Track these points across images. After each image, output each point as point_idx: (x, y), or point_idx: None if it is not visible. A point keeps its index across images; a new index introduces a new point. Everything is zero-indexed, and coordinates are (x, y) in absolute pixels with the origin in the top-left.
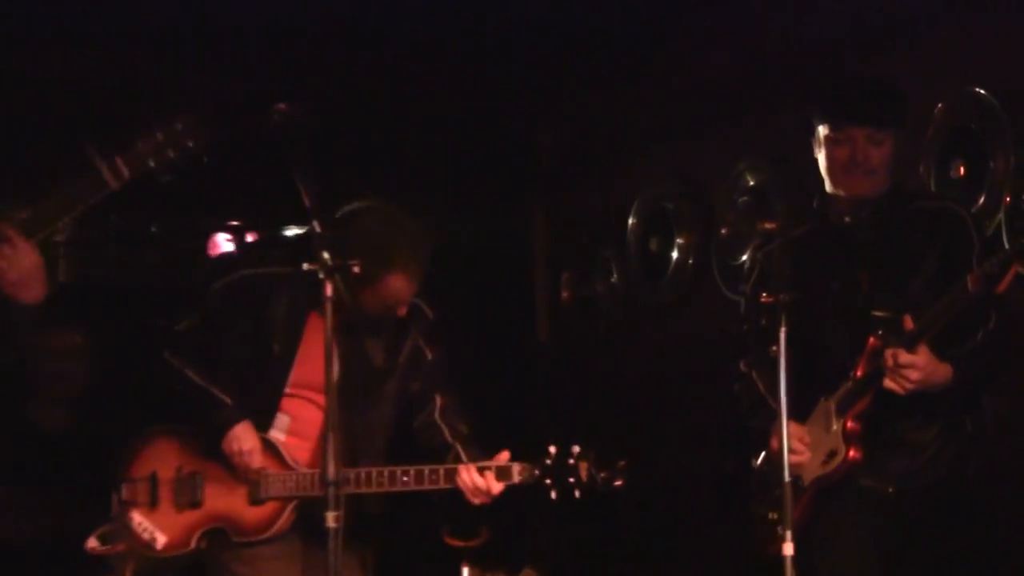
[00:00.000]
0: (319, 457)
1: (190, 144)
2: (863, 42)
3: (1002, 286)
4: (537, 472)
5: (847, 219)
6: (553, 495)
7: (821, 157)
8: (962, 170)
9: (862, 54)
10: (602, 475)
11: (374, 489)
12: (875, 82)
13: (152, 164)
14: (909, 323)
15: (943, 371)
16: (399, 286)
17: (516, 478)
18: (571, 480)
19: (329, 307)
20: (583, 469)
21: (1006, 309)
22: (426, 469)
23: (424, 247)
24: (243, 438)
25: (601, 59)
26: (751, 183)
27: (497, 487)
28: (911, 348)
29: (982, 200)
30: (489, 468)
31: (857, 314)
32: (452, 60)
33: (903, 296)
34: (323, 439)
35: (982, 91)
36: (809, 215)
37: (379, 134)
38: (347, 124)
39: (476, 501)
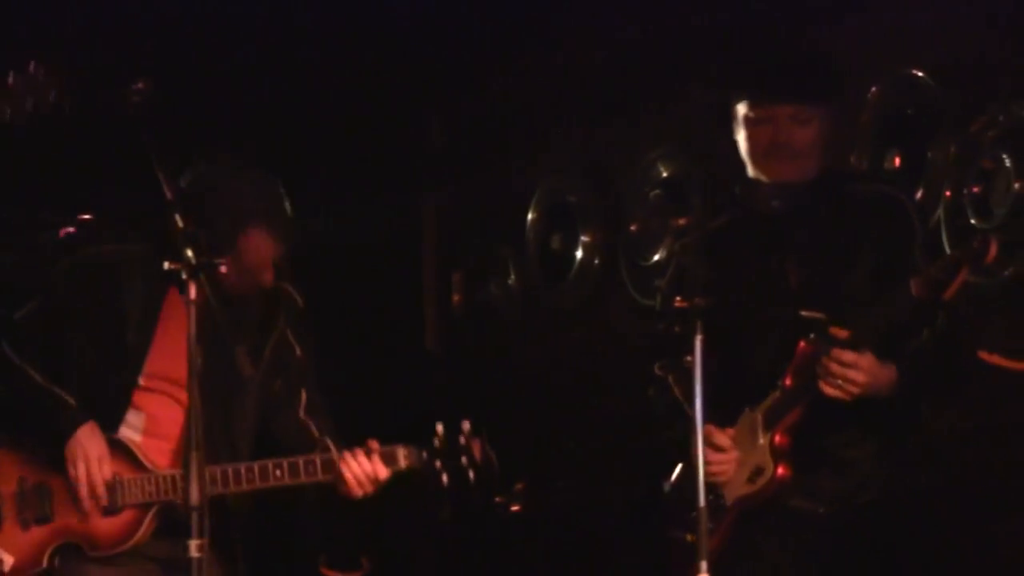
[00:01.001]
0: (180, 458)
1: (50, 94)
2: (789, 19)
3: (949, 292)
4: (425, 454)
5: (774, 203)
6: (444, 479)
7: (741, 139)
8: (898, 160)
9: (787, 32)
10: (498, 499)
11: (244, 488)
12: (800, 54)
13: (8, 114)
14: (840, 333)
15: (887, 373)
16: (261, 244)
17: (402, 462)
18: (463, 460)
19: (192, 310)
20: (476, 448)
21: (956, 309)
22: (301, 460)
23: (282, 198)
24: (88, 444)
25: (499, 38)
26: (664, 174)
27: (384, 472)
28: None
29: (920, 193)
30: (374, 451)
31: (784, 314)
32: (335, 39)
33: (836, 294)
34: (185, 444)
35: (920, 73)
36: (729, 203)
37: (253, 119)
38: (217, 108)
39: (358, 492)
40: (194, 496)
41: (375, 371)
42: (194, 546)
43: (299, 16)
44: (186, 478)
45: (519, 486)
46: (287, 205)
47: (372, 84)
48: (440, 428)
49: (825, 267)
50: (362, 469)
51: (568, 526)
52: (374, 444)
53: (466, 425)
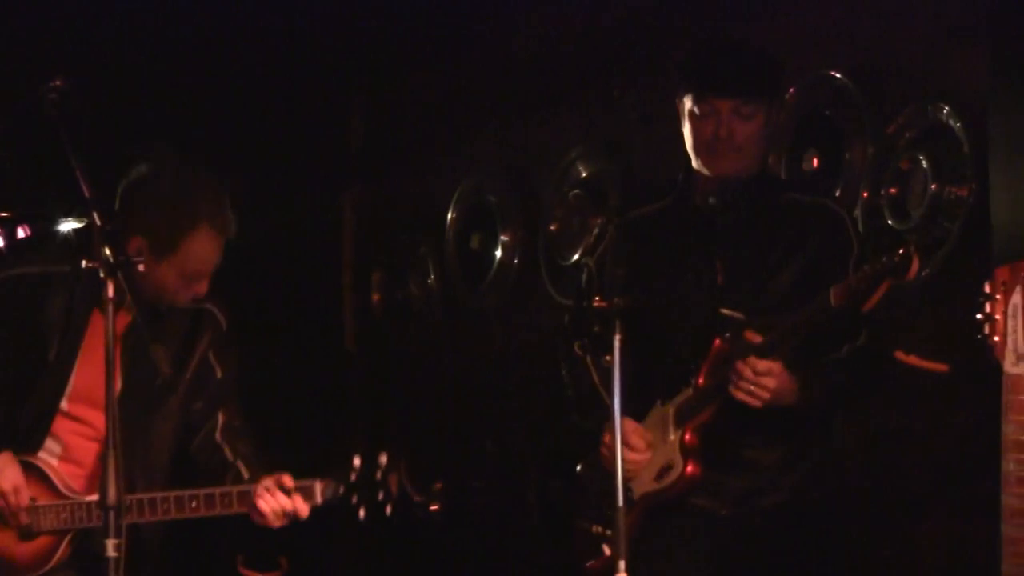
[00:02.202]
0: (96, 485)
1: None
2: (705, 18)
3: (869, 304)
4: (342, 489)
5: (711, 200)
6: (361, 514)
7: (686, 131)
8: (816, 161)
9: (704, 31)
10: (416, 498)
11: (159, 517)
12: (744, 49)
13: None
14: (754, 337)
15: (793, 385)
16: (205, 246)
17: (319, 498)
18: (380, 495)
19: (111, 309)
20: (393, 482)
21: (881, 326)
22: (217, 492)
23: (226, 199)
24: (3, 474)
25: (420, 36)
26: (583, 174)
27: (305, 509)
28: (765, 356)
29: (837, 194)
30: (291, 489)
31: (705, 310)
32: (256, 35)
33: (759, 297)
34: (102, 460)
35: (838, 75)
36: (671, 190)
37: (170, 116)
38: (134, 104)
39: (275, 524)
40: (111, 495)
41: (294, 371)
42: (111, 546)
43: (219, 12)
44: (103, 477)
45: (437, 486)
46: (228, 204)
47: (292, 81)
48: (357, 461)
49: (752, 269)
50: (280, 505)
51: (486, 525)
52: (287, 480)
53: (383, 459)
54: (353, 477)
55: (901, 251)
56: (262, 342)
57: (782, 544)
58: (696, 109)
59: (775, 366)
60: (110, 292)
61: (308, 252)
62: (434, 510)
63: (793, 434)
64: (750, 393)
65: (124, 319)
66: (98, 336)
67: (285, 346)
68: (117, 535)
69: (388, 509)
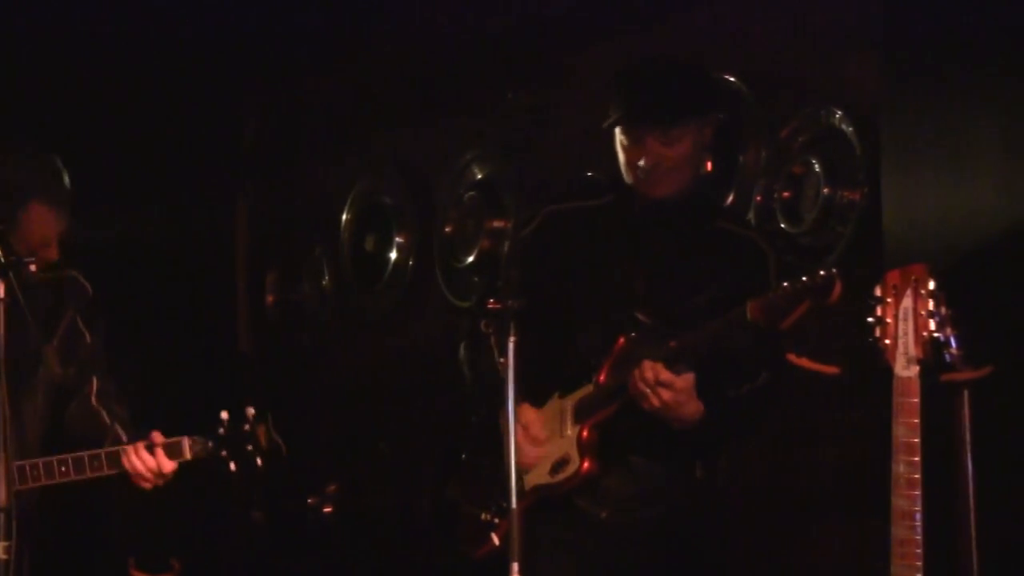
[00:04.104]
0: None
1: None
2: (599, 24)
3: (787, 322)
4: (211, 444)
5: (640, 214)
6: (232, 467)
7: (619, 154)
8: (710, 165)
9: (598, 36)
10: (310, 501)
11: (29, 485)
12: (669, 71)
13: None
14: (664, 344)
15: (694, 408)
16: (42, 218)
17: (188, 454)
18: (249, 448)
19: (3, 310)
20: (261, 433)
21: (782, 368)
22: (86, 456)
23: (60, 171)
24: None
25: (315, 36)
26: (479, 176)
27: (169, 466)
28: (673, 366)
29: (731, 198)
30: (159, 444)
31: (619, 311)
32: (149, 36)
33: (674, 309)
34: None
35: (732, 79)
36: (609, 188)
37: (59, 113)
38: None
39: (146, 485)
40: (1, 497)
41: (186, 373)
42: (0, 548)
43: (113, 10)
44: None
45: (331, 488)
46: (65, 178)
47: (186, 81)
48: (225, 416)
49: (673, 284)
50: (144, 464)
51: (380, 529)
52: (157, 437)
53: (250, 411)
54: (222, 431)
55: (823, 273)
56: (154, 344)
57: (659, 556)
58: (623, 137)
59: (678, 381)
60: (0, 292)
61: (201, 253)
62: (327, 512)
63: (680, 449)
64: (643, 395)
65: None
66: None
67: (178, 348)
68: (7, 537)
69: (259, 460)
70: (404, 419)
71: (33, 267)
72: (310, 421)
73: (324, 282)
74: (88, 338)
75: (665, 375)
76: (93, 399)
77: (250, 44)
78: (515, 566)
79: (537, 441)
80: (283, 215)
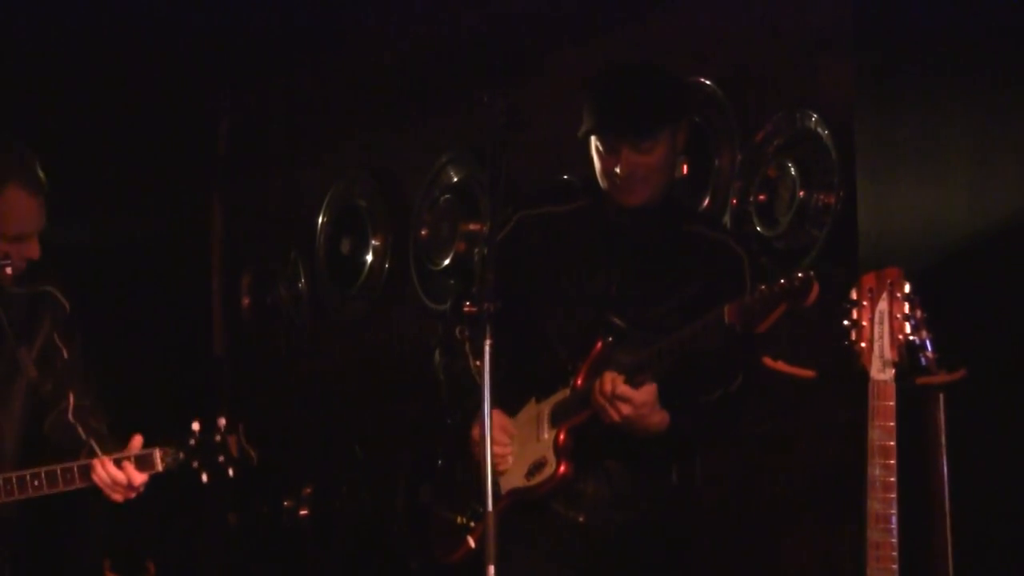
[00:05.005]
0: None
1: None
2: (572, 25)
3: (763, 326)
4: (182, 455)
5: (614, 218)
6: (204, 478)
7: (595, 162)
8: (685, 168)
9: (571, 38)
10: (285, 503)
11: (2, 500)
12: (642, 80)
13: None
14: (628, 354)
15: (659, 419)
16: (19, 204)
17: (159, 466)
18: (221, 459)
19: None
20: (232, 444)
21: (757, 372)
22: (58, 469)
23: (32, 158)
24: None
25: (289, 38)
26: (454, 179)
27: (139, 478)
28: (633, 379)
29: (707, 202)
30: (127, 458)
31: (593, 314)
32: (124, 38)
33: (647, 312)
34: None
35: (707, 82)
36: (584, 192)
37: (31, 116)
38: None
39: (118, 497)
40: None
41: (161, 376)
42: None
43: (86, 12)
44: None
45: (307, 491)
46: (37, 166)
47: (160, 83)
48: (196, 426)
49: (646, 286)
50: (112, 477)
51: (355, 531)
52: (136, 442)
53: (221, 421)
54: (193, 442)
55: (800, 275)
56: (129, 347)
57: (635, 560)
58: (598, 145)
59: (636, 395)
60: None
61: (176, 256)
62: (303, 515)
63: (656, 454)
64: (602, 408)
65: None
66: None
67: (153, 351)
68: None
69: (231, 471)
70: (379, 422)
71: (9, 270)
72: (285, 424)
73: (300, 285)
74: (65, 354)
75: (622, 389)
76: (69, 415)
77: (224, 47)
78: (491, 569)
79: (498, 443)
80: (258, 218)
